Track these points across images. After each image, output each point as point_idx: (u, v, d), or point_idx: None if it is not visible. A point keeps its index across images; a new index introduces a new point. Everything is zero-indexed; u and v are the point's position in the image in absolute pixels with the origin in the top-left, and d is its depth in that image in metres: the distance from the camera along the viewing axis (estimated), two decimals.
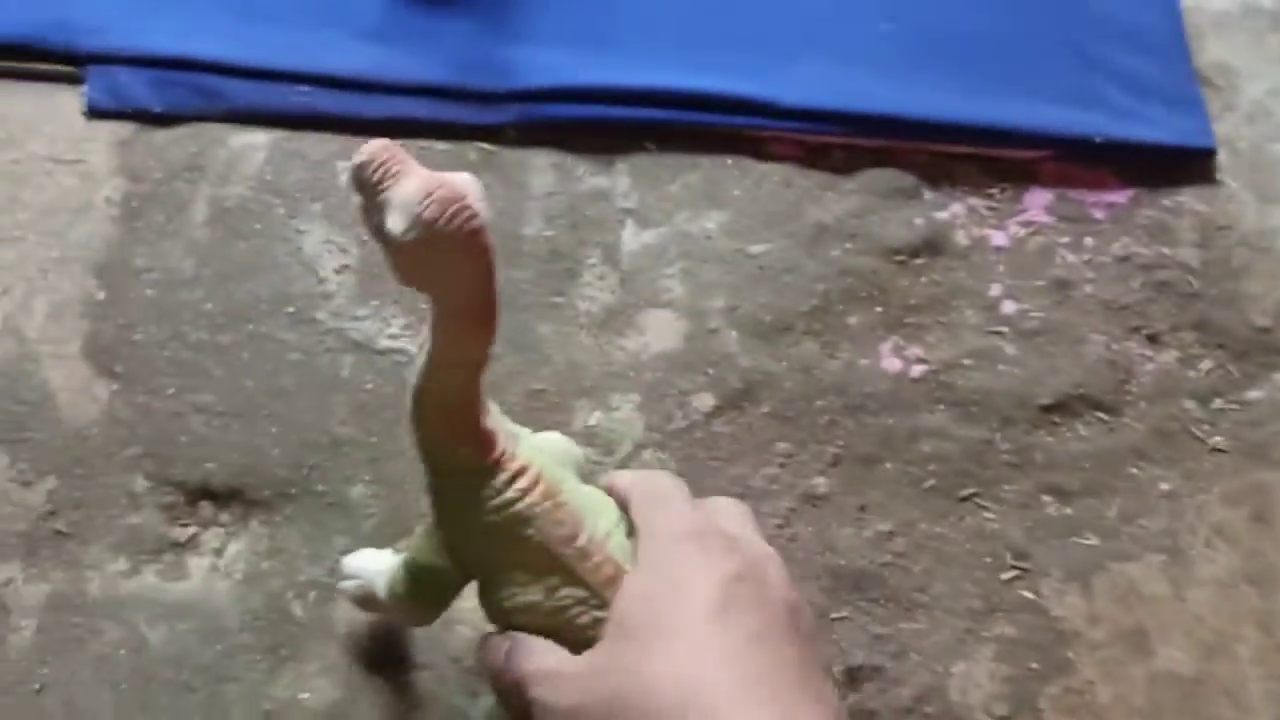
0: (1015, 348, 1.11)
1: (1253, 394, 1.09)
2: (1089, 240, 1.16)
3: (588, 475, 1.01)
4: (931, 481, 1.05)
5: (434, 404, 0.65)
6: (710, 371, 1.08)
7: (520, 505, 0.66)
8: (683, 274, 1.13)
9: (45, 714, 0.91)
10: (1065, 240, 1.16)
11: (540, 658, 0.63)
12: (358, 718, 0.93)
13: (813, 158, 1.19)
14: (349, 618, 0.96)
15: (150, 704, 0.93)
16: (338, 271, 1.10)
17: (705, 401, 1.07)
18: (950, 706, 0.96)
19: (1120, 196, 1.19)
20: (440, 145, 1.17)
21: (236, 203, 1.13)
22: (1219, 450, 1.07)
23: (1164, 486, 1.05)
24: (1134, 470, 1.06)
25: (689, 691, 0.50)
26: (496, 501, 0.66)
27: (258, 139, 1.17)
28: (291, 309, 1.08)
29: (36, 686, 0.92)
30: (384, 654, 0.95)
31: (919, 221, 1.15)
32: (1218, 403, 1.09)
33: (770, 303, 1.11)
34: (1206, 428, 1.08)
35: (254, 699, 0.93)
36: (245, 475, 1.01)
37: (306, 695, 0.94)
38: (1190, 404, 1.09)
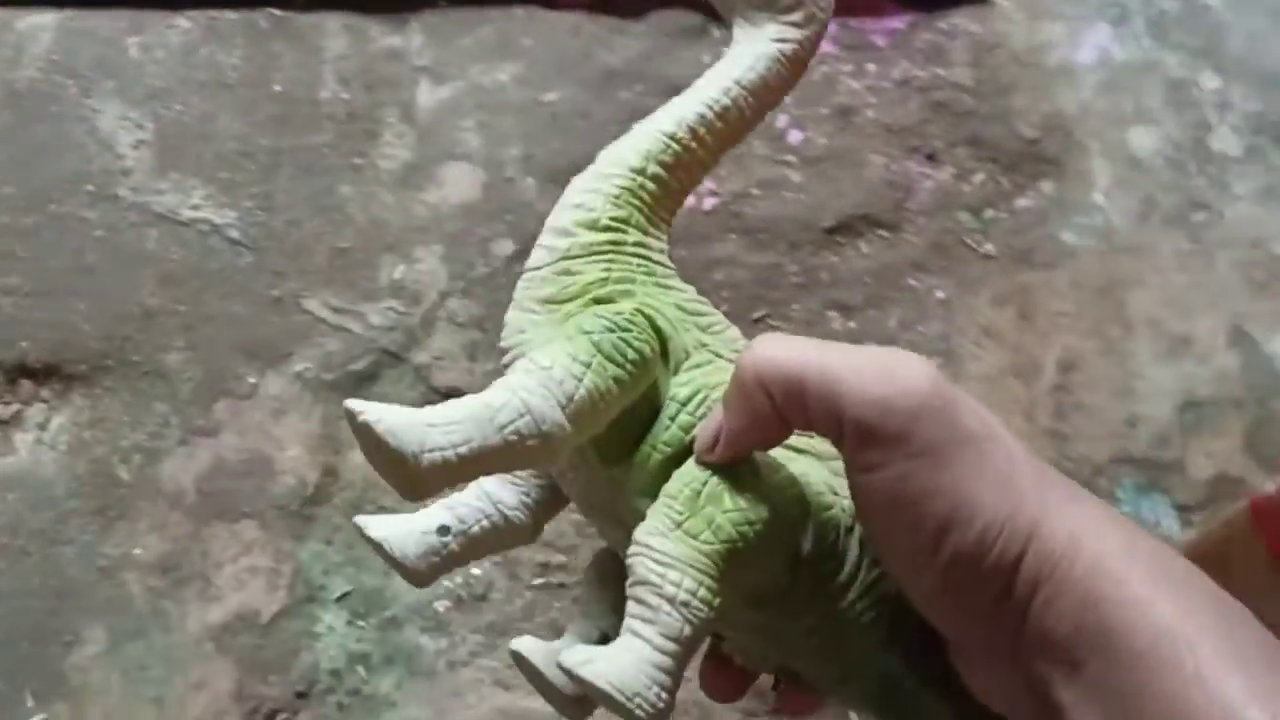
0: (801, 175, 1.16)
1: (1021, 202, 1.16)
2: (871, 67, 1.21)
3: (398, 323, 1.07)
4: (725, 307, 1.11)
5: None
6: (509, 218, 1.13)
7: None
8: (479, 126, 1.16)
9: None
10: (848, 68, 1.21)
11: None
12: (189, 566, 0.99)
13: (602, 3, 1.22)
14: (174, 475, 1.01)
15: None
16: (135, 147, 1.12)
17: (505, 247, 1.12)
18: None
19: (900, 22, 1.23)
20: (230, 14, 1.18)
21: (28, 85, 1.14)
22: (989, 257, 1.14)
23: (939, 295, 1.13)
24: (912, 282, 1.13)
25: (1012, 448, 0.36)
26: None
27: (44, 20, 1.16)
28: (92, 187, 1.10)
29: None
30: (210, 506, 1.01)
31: (706, 59, 1.19)
32: (989, 213, 1.16)
33: (564, 148, 1.15)
34: (978, 237, 1.15)
35: (88, 558, 0.99)
36: (61, 351, 1.04)
37: (139, 551, 1.00)
38: (964, 216, 1.16)
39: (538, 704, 0.99)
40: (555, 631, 1.03)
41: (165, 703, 0.96)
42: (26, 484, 1.01)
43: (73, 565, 0.99)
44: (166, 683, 0.97)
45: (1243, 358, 1.08)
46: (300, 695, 0.98)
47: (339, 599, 1.01)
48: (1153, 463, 1.05)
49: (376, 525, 0.43)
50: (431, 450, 0.35)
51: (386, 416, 0.35)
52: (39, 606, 0.98)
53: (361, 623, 1.00)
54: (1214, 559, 0.95)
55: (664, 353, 0.40)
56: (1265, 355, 1.08)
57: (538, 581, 1.02)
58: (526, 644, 0.45)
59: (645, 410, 0.40)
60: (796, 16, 0.44)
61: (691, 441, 0.40)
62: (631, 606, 0.37)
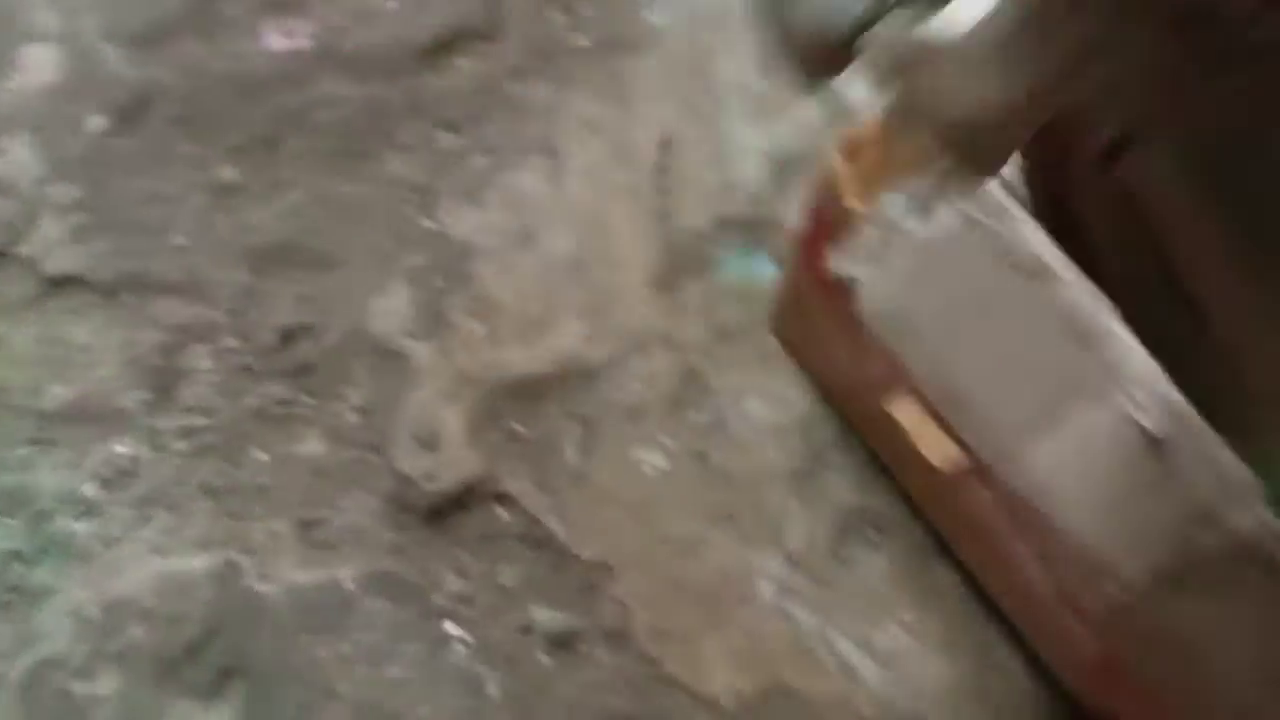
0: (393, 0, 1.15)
1: None
2: None
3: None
4: (334, 145, 1.11)
5: None
6: (97, 93, 1.10)
7: None
8: (50, 3, 1.12)
9: None
10: None
11: None
12: None
13: None
14: None
15: None
16: None
17: (98, 124, 1.10)
18: (373, 339, 1.06)
19: None
20: None
21: None
22: (584, 49, 1.15)
23: (540, 95, 1.14)
24: (514, 88, 1.14)
25: None
26: None
27: None
28: None
29: None
30: None
31: None
32: (580, 7, 1.17)
33: (143, 12, 1.12)
34: (574, 33, 1.16)
35: None
36: None
37: None
38: (556, 14, 1.16)
39: (196, 563, 1.01)
40: (209, 495, 1.04)
41: None
42: None
43: None
44: None
45: (822, 106, 1.11)
46: None
47: None
48: (752, 223, 1.10)
49: None
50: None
51: None
52: None
53: (10, 520, 1.01)
54: (789, 301, 1.01)
55: None
56: (843, 100, 1.11)
57: (182, 446, 1.04)
58: None
59: None
60: None
61: None
62: None
